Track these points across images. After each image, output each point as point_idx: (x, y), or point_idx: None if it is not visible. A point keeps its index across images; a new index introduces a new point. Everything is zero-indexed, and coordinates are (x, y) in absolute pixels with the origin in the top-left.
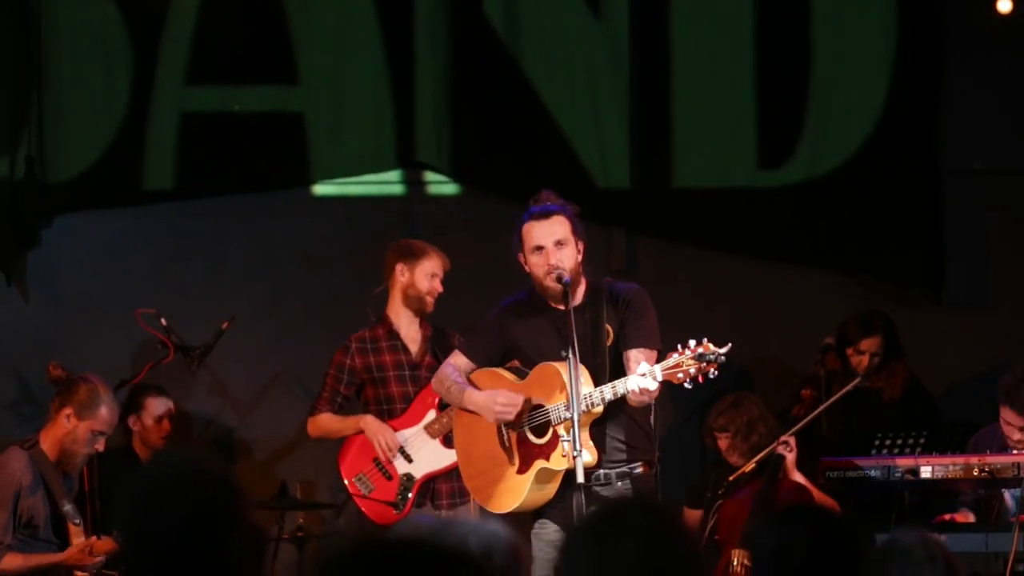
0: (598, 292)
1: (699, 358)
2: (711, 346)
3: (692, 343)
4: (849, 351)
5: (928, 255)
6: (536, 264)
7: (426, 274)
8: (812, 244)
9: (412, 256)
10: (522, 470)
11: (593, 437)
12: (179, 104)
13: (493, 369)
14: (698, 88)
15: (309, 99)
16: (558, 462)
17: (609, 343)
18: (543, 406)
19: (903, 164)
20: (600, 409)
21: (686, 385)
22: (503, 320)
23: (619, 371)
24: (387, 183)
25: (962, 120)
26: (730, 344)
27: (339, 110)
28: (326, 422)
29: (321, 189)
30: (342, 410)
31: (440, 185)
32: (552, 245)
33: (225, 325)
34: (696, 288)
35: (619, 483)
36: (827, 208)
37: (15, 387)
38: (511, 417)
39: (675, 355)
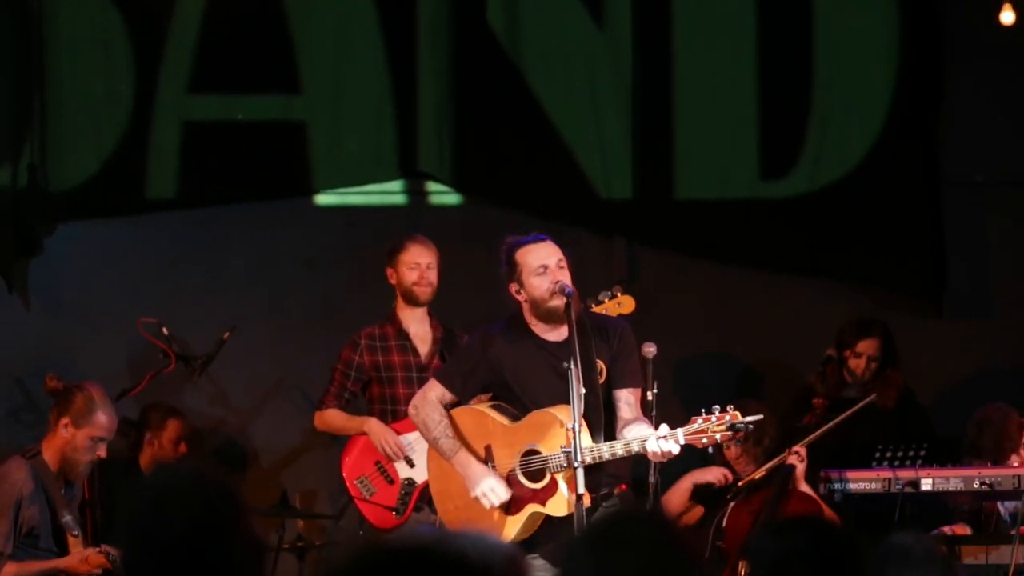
0: (583, 323)
1: (731, 428)
2: (739, 414)
3: (717, 409)
4: (847, 353)
5: (929, 266)
6: (538, 286)
7: (407, 267)
8: (813, 255)
9: (392, 256)
10: (513, 512)
11: (586, 475)
12: (181, 113)
13: (479, 408)
14: (700, 99)
15: (311, 108)
16: (555, 508)
17: (602, 381)
18: (538, 451)
19: (905, 175)
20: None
21: (709, 450)
22: (487, 348)
23: (610, 410)
24: (389, 193)
25: (964, 131)
26: (761, 415)
27: (341, 119)
28: (332, 418)
29: (323, 198)
30: (349, 406)
31: (442, 195)
32: (555, 265)
33: (226, 335)
34: (697, 299)
35: (603, 504)
36: (828, 219)
37: (17, 395)
38: (486, 507)
39: (699, 420)
